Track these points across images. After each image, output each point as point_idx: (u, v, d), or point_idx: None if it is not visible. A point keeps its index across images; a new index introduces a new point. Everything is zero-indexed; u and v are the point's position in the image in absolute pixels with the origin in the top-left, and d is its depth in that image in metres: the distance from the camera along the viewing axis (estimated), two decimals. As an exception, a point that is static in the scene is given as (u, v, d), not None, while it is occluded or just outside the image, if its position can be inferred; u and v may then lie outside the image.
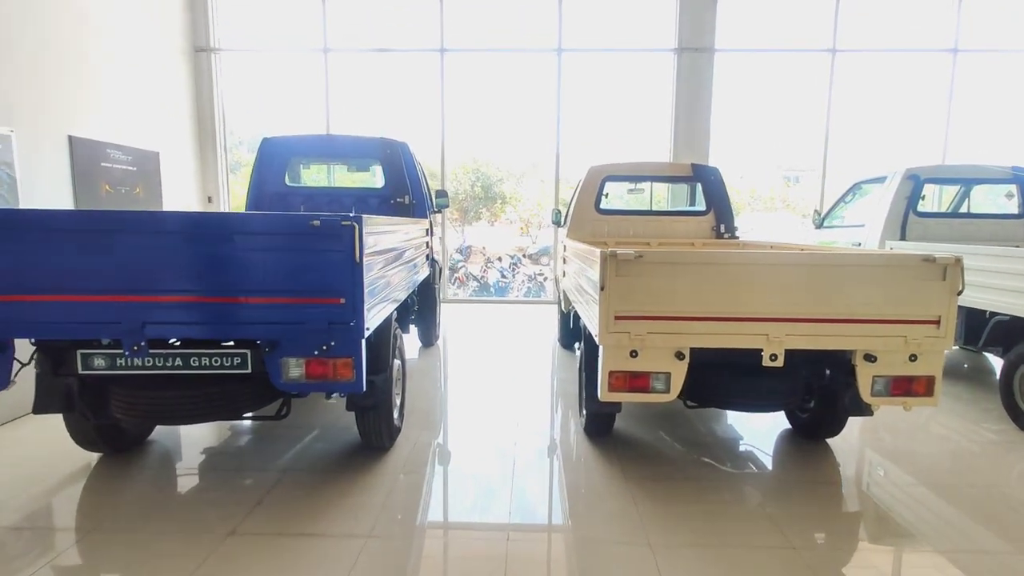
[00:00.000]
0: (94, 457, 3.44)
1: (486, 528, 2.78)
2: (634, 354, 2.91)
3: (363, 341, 2.54)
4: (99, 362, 2.59)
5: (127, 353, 2.44)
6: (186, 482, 3.26)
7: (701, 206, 5.88)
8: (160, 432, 3.82)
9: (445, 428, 4.11)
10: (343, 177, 6.60)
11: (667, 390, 2.95)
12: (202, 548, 2.53)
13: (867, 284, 2.83)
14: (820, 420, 3.70)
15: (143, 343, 2.41)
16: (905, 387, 2.93)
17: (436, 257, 6.27)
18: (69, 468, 3.32)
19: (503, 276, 13.87)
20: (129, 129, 7.81)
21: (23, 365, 2.66)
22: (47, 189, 6.42)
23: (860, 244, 6.06)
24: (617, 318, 2.88)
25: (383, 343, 3.21)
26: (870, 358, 2.89)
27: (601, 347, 2.93)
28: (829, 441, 3.80)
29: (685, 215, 5.88)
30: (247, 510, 2.86)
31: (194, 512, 2.88)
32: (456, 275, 12.89)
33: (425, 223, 5.45)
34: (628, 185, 6.65)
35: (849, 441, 3.85)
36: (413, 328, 6.23)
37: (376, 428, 3.36)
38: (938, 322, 2.85)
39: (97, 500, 3.01)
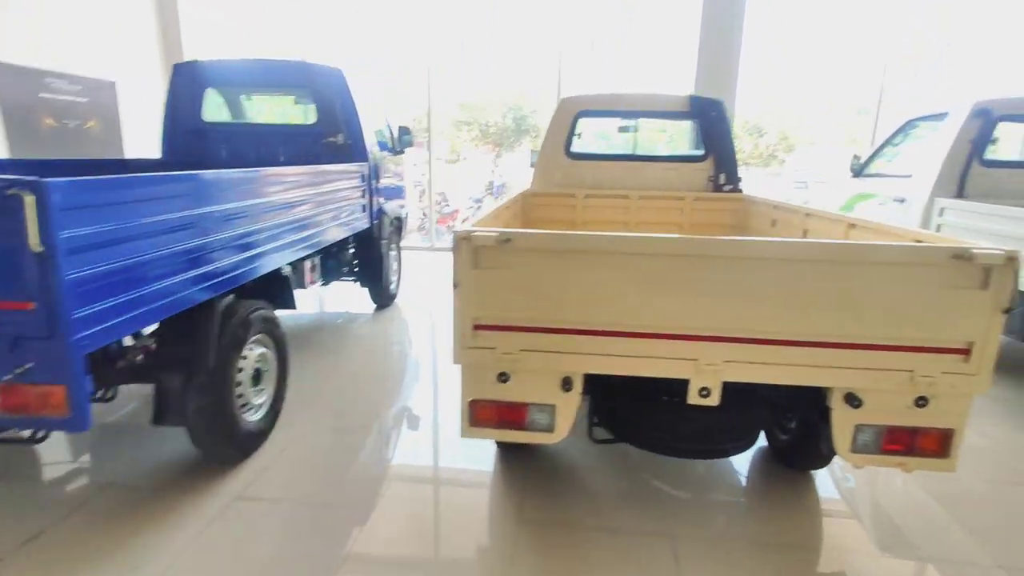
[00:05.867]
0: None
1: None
2: (504, 378, 2.05)
3: (81, 359, 1.77)
4: None
5: None
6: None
7: (701, 150, 4.74)
8: None
9: (342, 428, 3.39)
10: (278, 112, 5.72)
11: (551, 428, 2.10)
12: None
13: (858, 291, 1.84)
14: (801, 448, 2.77)
15: None
16: (906, 441, 1.98)
17: (386, 206, 5.42)
18: None
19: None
20: (76, 56, 7.08)
21: None
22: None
23: (904, 200, 4.82)
24: (478, 327, 2.01)
25: (203, 333, 2.46)
26: (853, 400, 1.93)
27: (460, 368, 2.09)
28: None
29: (677, 161, 4.76)
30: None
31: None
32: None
33: (356, 168, 4.57)
34: (619, 123, 5.50)
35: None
36: (360, 287, 5.51)
37: (211, 439, 2.67)
38: (968, 351, 1.85)
39: None
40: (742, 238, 1.84)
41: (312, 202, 3.63)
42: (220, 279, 2.45)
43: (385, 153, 5.64)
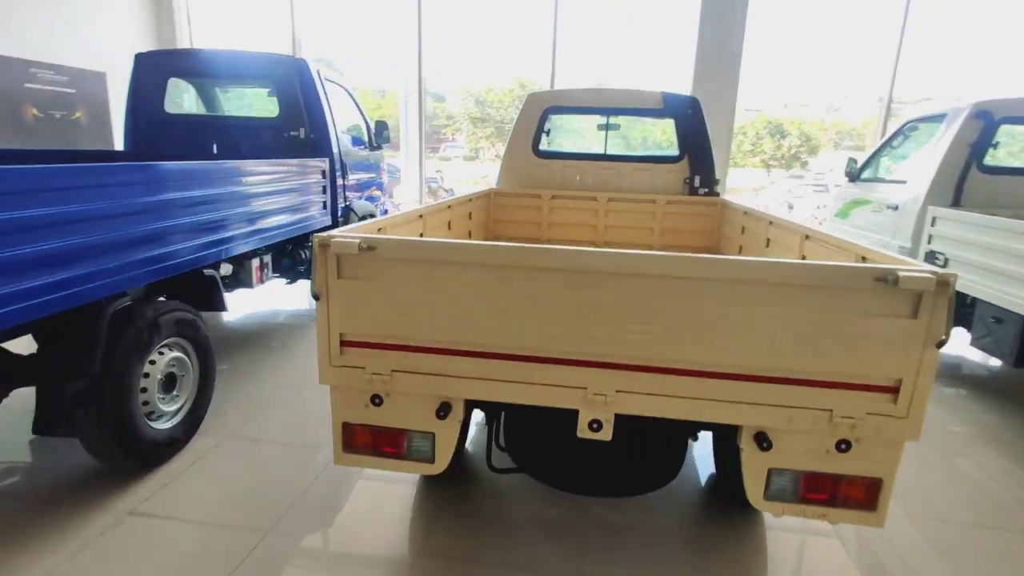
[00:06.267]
0: None
1: None
2: (377, 401, 1.85)
3: None
4: None
5: None
6: None
7: (675, 150, 4.47)
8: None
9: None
10: (253, 105, 5.58)
11: (431, 459, 1.88)
12: None
13: (767, 316, 1.58)
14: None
15: None
16: (829, 489, 1.72)
17: (355, 204, 5.24)
18: None
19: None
20: (63, 46, 7.06)
21: None
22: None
23: (898, 207, 4.47)
24: (345, 344, 1.80)
25: (89, 336, 2.32)
26: (763, 442, 1.68)
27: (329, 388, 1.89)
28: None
29: (650, 161, 4.49)
30: None
31: None
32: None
33: (314, 163, 4.39)
34: (599, 120, 5.23)
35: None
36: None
37: (105, 449, 2.52)
38: (896, 390, 1.58)
39: None
40: (631, 251, 1.60)
41: (245, 200, 3.42)
42: (103, 281, 2.28)
43: (358, 149, 5.48)
